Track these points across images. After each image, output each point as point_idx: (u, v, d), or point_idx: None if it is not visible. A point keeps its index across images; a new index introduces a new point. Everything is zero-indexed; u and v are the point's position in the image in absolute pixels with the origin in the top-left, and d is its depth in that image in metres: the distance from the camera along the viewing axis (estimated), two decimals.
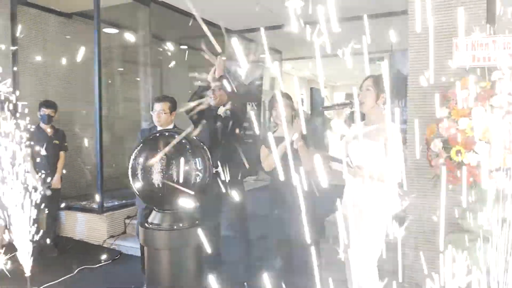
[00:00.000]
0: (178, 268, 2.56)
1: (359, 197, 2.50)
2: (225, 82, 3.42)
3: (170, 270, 2.53)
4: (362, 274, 2.46)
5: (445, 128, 2.50)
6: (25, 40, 5.60)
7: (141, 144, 2.56)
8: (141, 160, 2.45)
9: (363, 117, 2.66)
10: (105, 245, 4.87)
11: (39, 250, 4.17)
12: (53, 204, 4.63)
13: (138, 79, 6.19)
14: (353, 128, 2.66)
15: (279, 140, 2.83)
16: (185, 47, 7.46)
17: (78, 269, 4.11)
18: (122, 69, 6.92)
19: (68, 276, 4.01)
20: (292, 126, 3.03)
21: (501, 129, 2.27)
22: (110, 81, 6.46)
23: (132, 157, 2.48)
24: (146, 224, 2.53)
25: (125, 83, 6.87)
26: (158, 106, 3.54)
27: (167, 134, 2.76)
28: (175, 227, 2.51)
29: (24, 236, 3.92)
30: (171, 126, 3.59)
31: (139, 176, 2.44)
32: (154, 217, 2.54)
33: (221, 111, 3.54)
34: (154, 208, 2.58)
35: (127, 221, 5.13)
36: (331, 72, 12.18)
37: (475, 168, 2.33)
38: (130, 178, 2.48)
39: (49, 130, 4.71)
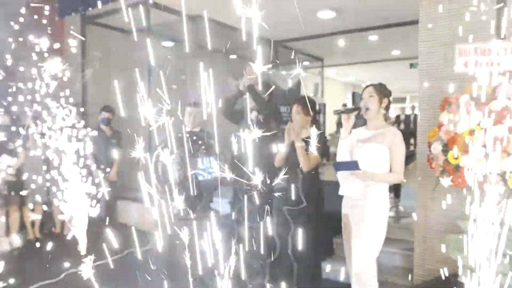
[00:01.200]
0: None
1: (361, 196, 2.50)
2: (250, 90, 3.45)
3: None
4: (362, 269, 2.45)
5: (445, 131, 2.43)
6: (92, 53, 6.12)
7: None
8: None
9: (364, 122, 2.64)
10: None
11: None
12: (110, 195, 5.03)
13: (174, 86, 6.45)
14: (357, 133, 2.64)
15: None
16: (233, 56, 7.67)
17: (127, 251, 4.40)
18: (184, 77, 7.19)
19: (117, 256, 4.27)
20: (305, 129, 3.10)
21: (497, 134, 2.17)
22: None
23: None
24: None
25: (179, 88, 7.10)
26: (194, 111, 3.68)
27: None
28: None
29: (83, 222, 4.33)
30: (199, 128, 3.73)
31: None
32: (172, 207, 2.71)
33: (253, 114, 3.60)
34: None
35: None
36: (375, 76, 11.85)
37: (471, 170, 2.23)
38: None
39: (108, 131, 5.12)
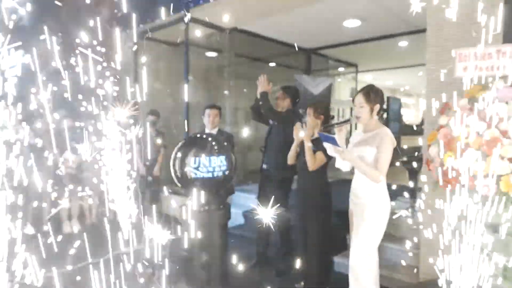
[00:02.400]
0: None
1: (360, 194, 2.48)
2: (262, 98, 3.49)
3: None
4: (357, 263, 2.43)
5: (443, 134, 2.33)
6: (145, 63, 6.49)
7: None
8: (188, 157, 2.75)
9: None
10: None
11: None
12: (154, 188, 5.33)
13: (226, 92, 6.61)
14: (354, 136, 2.65)
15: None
16: (269, 63, 7.75)
17: (168, 239, 4.63)
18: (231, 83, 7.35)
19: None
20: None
21: (491, 137, 2.05)
22: (224, 93, 6.82)
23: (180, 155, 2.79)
24: None
25: (210, 93, 7.25)
26: (213, 112, 3.81)
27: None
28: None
29: (127, 210, 4.63)
30: (217, 129, 3.86)
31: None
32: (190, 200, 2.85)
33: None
34: None
35: None
36: (410, 81, 11.33)
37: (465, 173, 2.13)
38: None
39: (153, 132, 5.42)
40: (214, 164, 2.64)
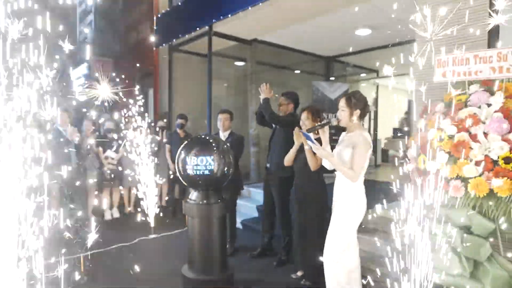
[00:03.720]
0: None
1: (337, 194, 2.43)
2: (265, 103, 3.46)
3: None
4: (329, 258, 2.38)
5: (420, 137, 2.23)
6: (177, 73, 6.75)
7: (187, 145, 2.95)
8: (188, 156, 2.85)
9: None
10: None
11: (164, 212, 5.13)
12: (181, 183, 5.52)
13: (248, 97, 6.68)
14: (341, 136, 2.59)
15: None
16: (290, 70, 7.73)
17: (186, 228, 4.78)
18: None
19: (178, 231, 4.68)
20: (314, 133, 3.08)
21: (457, 141, 1.94)
22: (241, 98, 7.01)
23: (183, 154, 2.90)
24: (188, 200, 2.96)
25: (238, 98, 7.34)
26: (223, 116, 3.89)
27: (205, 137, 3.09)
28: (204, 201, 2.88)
29: (152, 202, 4.85)
30: (229, 131, 3.92)
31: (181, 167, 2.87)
32: (192, 194, 2.95)
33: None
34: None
35: None
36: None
37: (436, 175, 2.03)
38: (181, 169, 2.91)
39: (181, 134, 5.62)
40: (209, 163, 2.71)
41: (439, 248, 2.08)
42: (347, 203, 2.35)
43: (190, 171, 2.79)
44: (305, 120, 3.11)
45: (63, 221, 4.43)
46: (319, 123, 2.57)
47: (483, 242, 1.95)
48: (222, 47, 6.29)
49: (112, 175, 5.29)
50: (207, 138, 2.95)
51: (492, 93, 2.02)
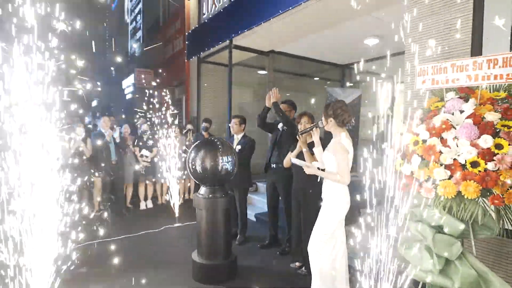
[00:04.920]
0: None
1: (324, 192, 2.45)
2: (275, 107, 3.53)
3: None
4: (311, 247, 2.40)
5: (400, 142, 2.19)
6: (204, 82, 6.97)
7: (196, 146, 3.07)
8: (197, 156, 2.98)
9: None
10: None
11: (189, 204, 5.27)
12: None
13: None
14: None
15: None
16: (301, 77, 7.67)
17: None
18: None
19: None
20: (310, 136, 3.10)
21: (428, 145, 1.89)
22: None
23: (193, 154, 3.03)
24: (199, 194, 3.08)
25: (260, 103, 7.37)
26: (233, 121, 4.00)
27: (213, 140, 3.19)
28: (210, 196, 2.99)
29: (175, 195, 5.07)
30: (241, 134, 4.00)
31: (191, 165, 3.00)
32: (200, 189, 3.08)
33: (279, 126, 3.71)
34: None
35: None
36: None
37: (409, 177, 1.99)
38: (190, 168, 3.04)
39: (206, 135, 5.79)
40: (215, 162, 2.82)
41: (413, 245, 2.05)
42: (331, 200, 2.36)
43: (198, 169, 2.92)
44: (305, 123, 3.14)
45: (104, 207, 4.69)
46: (309, 127, 2.60)
47: (454, 241, 1.88)
48: (246, 57, 6.41)
49: (147, 171, 5.60)
50: (215, 140, 3.05)
51: (467, 100, 1.94)
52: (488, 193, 1.73)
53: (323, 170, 2.52)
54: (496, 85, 2.01)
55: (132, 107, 10.72)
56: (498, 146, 1.71)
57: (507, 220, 1.76)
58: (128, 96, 14.40)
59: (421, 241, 2.02)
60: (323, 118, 2.39)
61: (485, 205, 1.76)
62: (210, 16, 6.12)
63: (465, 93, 2.01)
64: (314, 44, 5.51)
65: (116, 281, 2.99)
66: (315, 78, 7.64)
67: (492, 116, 1.79)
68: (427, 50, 2.62)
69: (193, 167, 2.95)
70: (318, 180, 2.50)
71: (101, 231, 4.16)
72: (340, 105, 2.37)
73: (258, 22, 4.59)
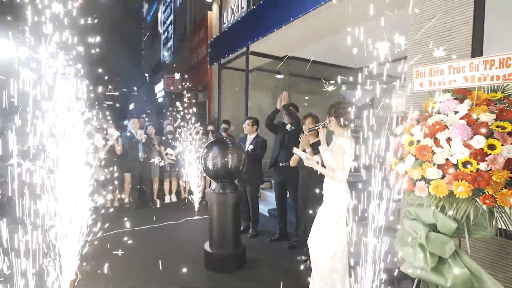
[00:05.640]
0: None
1: (324, 190, 2.43)
2: (285, 109, 3.58)
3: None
4: (312, 244, 2.38)
5: (396, 142, 2.12)
6: (225, 86, 7.06)
7: (210, 145, 3.13)
8: (209, 154, 3.06)
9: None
10: None
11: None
12: None
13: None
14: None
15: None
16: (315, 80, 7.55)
17: None
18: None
19: None
20: (313, 137, 3.09)
21: (421, 145, 1.82)
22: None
23: (205, 152, 3.10)
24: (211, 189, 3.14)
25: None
26: (246, 122, 4.04)
27: (225, 140, 3.24)
28: (221, 191, 3.04)
29: (195, 191, 5.18)
30: (254, 134, 4.02)
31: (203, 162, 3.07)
32: (212, 185, 3.14)
33: (288, 127, 3.73)
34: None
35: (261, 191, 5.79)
36: None
37: (403, 176, 1.94)
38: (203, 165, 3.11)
39: (225, 136, 5.88)
40: (225, 159, 2.87)
41: (408, 242, 1.98)
42: (330, 197, 2.33)
43: (209, 166, 2.98)
44: (309, 124, 3.13)
45: (133, 199, 4.84)
46: (318, 125, 2.60)
47: (447, 240, 1.80)
48: (263, 63, 6.43)
49: (171, 168, 5.79)
50: (226, 140, 3.11)
51: (463, 101, 1.85)
52: (481, 193, 1.64)
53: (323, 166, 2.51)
54: (494, 86, 1.90)
55: (163, 109, 11.09)
56: (491, 147, 1.62)
57: (500, 220, 1.66)
58: (160, 100, 14.90)
59: (416, 238, 1.95)
60: (326, 120, 2.38)
61: (479, 205, 1.68)
62: (230, 25, 6.20)
63: (462, 94, 1.92)
64: (326, 48, 5.42)
65: (136, 265, 3.12)
66: (331, 81, 7.51)
67: (486, 117, 1.70)
68: (427, 53, 2.53)
69: (205, 164, 3.02)
70: (318, 173, 2.48)
71: (129, 221, 4.36)
72: (342, 106, 2.35)
73: (272, 29, 4.60)
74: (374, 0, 3.28)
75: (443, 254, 1.80)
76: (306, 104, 6.97)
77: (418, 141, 1.89)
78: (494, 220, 1.68)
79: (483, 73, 1.82)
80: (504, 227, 1.67)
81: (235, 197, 3.04)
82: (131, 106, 24.80)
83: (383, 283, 1.94)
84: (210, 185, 6.00)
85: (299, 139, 2.88)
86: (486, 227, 1.73)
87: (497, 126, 1.66)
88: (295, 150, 2.57)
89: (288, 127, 3.68)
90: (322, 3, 3.65)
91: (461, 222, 1.74)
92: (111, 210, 4.95)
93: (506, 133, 1.63)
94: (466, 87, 1.91)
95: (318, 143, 2.77)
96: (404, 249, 1.98)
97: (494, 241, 2.15)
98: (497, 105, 1.78)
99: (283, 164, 3.67)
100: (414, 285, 2.03)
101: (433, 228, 1.89)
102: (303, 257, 3.21)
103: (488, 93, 1.89)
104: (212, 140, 3.49)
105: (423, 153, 1.80)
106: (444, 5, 2.45)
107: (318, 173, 2.52)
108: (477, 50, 2.21)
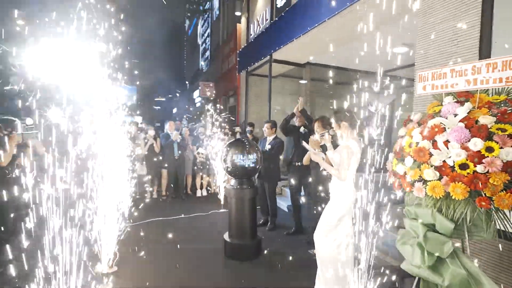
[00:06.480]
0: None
1: (331, 187, 2.41)
2: (303, 113, 3.61)
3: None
4: (317, 237, 2.36)
5: (397, 144, 2.05)
6: (251, 92, 7.16)
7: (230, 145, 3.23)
8: (228, 153, 3.15)
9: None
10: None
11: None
12: None
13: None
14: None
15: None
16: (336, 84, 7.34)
17: None
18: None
19: None
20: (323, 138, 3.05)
21: (418, 147, 1.75)
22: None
23: (225, 151, 3.20)
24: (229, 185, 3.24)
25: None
26: (265, 125, 4.08)
27: (243, 140, 3.31)
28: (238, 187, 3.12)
29: (222, 186, 5.31)
30: (273, 136, 4.05)
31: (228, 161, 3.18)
32: (231, 181, 3.23)
33: (301, 129, 3.75)
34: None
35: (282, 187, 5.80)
36: None
37: (403, 177, 1.87)
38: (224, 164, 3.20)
39: (250, 137, 5.97)
40: (245, 159, 2.95)
41: (407, 241, 1.90)
42: (337, 195, 2.31)
43: (229, 164, 3.08)
44: (317, 128, 3.10)
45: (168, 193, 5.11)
46: (323, 132, 2.60)
47: (446, 240, 1.70)
48: (286, 69, 6.44)
49: (202, 166, 6.02)
50: (243, 141, 3.18)
51: (463, 104, 1.74)
52: (478, 195, 1.54)
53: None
54: (499, 89, 1.76)
55: (198, 113, 11.50)
56: (489, 149, 1.51)
57: (500, 222, 1.54)
58: (197, 104, 15.48)
59: (415, 237, 1.86)
60: (334, 124, 2.36)
61: (476, 206, 1.57)
62: (255, 36, 6.29)
63: (463, 97, 1.80)
64: (345, 54, 5.29)
65: (166, 249, 3.32)
66: (354, 85, 7.28)
67: (485, 120, 1.58)
68: (435, 56, 2.39)
69: (225, 162, 3.12)
70: (321, 169, 2.46)
71: (164, 211, 4.62)
72: (348, 110, 2.33)
73: (291, 39, 4.60)
74: (379, 12, 3.17)
75: (441, 254, 1.70)
76: (330, 107, 6.84)
77: (417, 143, 1.81)
78: (493, 222, 1.56)
79: (485, 76, 1.70)
80: (504, 229, 1.54)
81: (252, 192, 3.11)
82: (174, 110, 26.00)
83: (388, 280, 1.89)
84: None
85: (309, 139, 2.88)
86: (485, 229, 1.61)
87: (498, 129, 1.54)
88: (304, 143, 2.57)
89: (301, 129, 3.68)
90: (336, 12, 3.59)
91: (458, 223, 1.64)
92: (150, 201, 5.28)
93: (506, 135, 1.51)
94: (468, 90, 1.79)
95: (325, 146, 2.76)
96: (404, 247, 1.90)
97: (496, 243, 1.98)
98: (500, 107, 1.65)
99: (297, 163, 3.67)
100: (415, 284, 1.94)
101: (432, 228, 1.79)
102: (314, 250, 3.18)
103: (492, 95, 1.76)
104: (232, 141, 3.64)
105: (421, 155, 1.72)
106: (454, 8, 2.30)
107: (322, 169, 2.51)
108: (485, 52, 2.05)
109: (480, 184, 1.49)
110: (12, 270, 2.39)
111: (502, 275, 1.94)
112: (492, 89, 1.78)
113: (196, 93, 15.29)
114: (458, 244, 1.77)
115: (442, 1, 2.30)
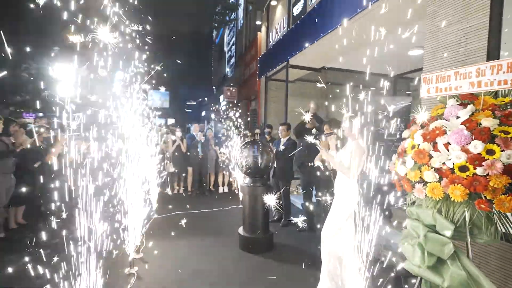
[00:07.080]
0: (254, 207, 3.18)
1: (336, 187, 2.38)
2: (315, 117, 3.59)
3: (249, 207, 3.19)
4: (324, 234, 2.34)
5: (401, 146, 1.98)
6: (269, 95, 7.17)
7: (245, 145, 3.30)
8: (243, 153, 3.22)
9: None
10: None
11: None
12: None
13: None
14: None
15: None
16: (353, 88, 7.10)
17: None
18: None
19: None
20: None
21: (418, 149, 1.68)
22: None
23: (240, 151, 3.28)
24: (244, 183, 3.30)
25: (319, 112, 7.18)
26: (280, 127, 4.09)
27: (257, 141, 3.36)
28: (252, 184, 3.17)
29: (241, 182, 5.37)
30: (287, 137, 4.05)
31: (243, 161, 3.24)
32: (245, 179, 3.29)
33: (313, 131, 3.71)
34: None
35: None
36: None
37: (404, 178, 1.82)
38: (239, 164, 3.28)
39: (268, 138, 6.00)
40: (256, 158, 3.00)
41: (409, 241, 1.83)
42: (344, 194, 2.28)
43: (243, 163, 3.14)
44: (325, 130, 3.08)
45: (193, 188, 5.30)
46: (327, 133, 2.58)
47: (446, 241, 1.62)
48: (303, 74, 6.37)
49: (224, 164, 6.16)
50: (258, 142, 3.23)
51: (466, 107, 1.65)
52: (479, 198, 1.45)
53: None
54: (505, 91, 1.64)
55: (223, 116, 11.74)
56: (490, 152, 1.42)
57: (500, 225, 1.44)
58: (223, 108, 15.80)
59: (416, 237, 1.79)
60: (338, 130, 2.36)
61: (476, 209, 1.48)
62: (274, 43, 6.31)
63: (467, 100, 1.70)
64: (359, 58, 5.13)
65: (187, 240, 3.45)
66: (371, 88, 7.04)
67: (488, 122, 1.49)
68: (443, 59, 2.27)
69: (240, 161, 3.19)
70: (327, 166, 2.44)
71: (188, 205, 4.79)
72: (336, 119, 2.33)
73: (305, 45, 4.57)
74: (391, 16, 3.06)
75: (442, 255, 1.63)
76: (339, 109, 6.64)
77: (418, 145, 1.74)
78: (494, 225, 1.46)
79: (489, 78, 1.60)
80: (508, 232, 1.44)
81: (264, 190, 3.14)
82: (203, 113, 26.71)
83: (391, 278, 1.83)
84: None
85: (319, 140, 2.86)
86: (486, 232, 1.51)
87: (500, 131, 1.45)
88: (316, 142, 2.57)
89: (313, 131, 3.65)
90: (345, 19, 3.52)
91: (458, 225, 1.55)
92: (176, 196, 5.50)
93: (509, 138, 1.41)
94: (472, 93, 1.69)
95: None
96: (405, 246, 1.83)
97: (504, 246, 1.84)
98: (504, 109, 1.55)
99: (310, 164, 3.64)
100: (417, 283, 1.86)
101: (433, 229, 1.71)
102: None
103: (497, 97, 1.64)
104: (246, 141, 3.69)
105: (420, 157, 1.66)
106: (462, 10, 2.18)
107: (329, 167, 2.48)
108: (494, 54, 1.92)
109: (480, 187, 1.41)
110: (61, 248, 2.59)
111: (510, 280, 1.80)
112: (498, 91, 1.66)
113: (221, 97, 15.59)
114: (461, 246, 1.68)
115: (450, 2, 2.18)
